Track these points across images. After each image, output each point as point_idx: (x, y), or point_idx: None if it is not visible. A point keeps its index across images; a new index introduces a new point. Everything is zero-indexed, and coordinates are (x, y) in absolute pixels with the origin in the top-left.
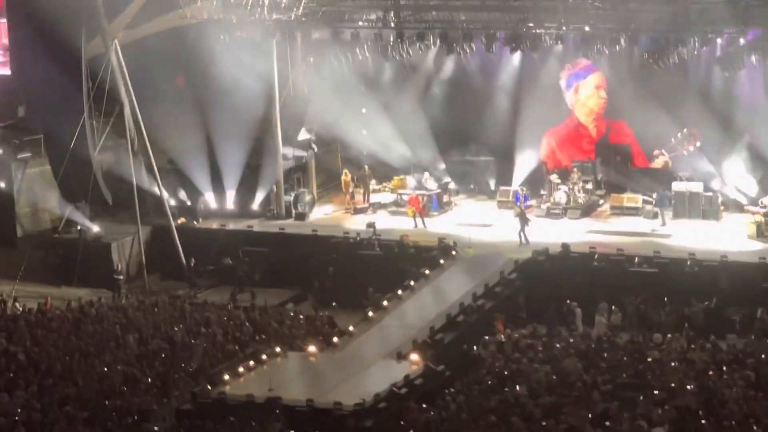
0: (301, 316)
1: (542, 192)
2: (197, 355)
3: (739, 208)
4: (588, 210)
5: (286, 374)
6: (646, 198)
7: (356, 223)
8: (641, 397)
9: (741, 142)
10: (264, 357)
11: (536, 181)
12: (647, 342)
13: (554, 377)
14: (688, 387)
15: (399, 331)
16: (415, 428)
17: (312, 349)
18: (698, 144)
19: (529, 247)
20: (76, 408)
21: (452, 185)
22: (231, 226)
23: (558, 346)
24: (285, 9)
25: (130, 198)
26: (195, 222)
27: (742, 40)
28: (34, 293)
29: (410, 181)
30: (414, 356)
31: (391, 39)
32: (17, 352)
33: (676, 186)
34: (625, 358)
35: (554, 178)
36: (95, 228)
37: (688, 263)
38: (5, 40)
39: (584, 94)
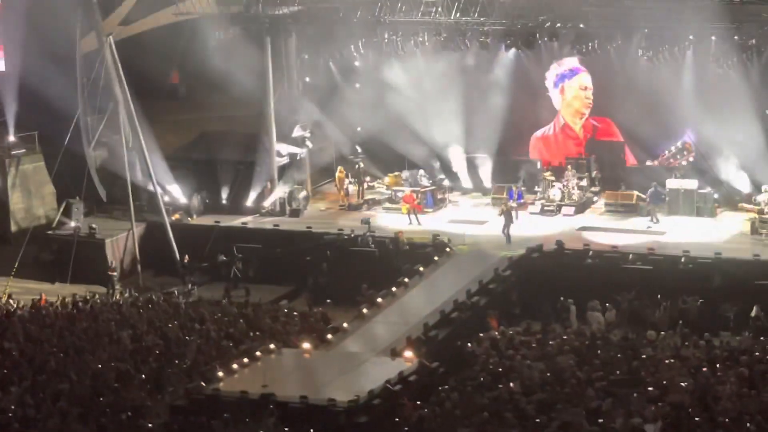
0: (295, 313)
1: (536, 189)
2: (191, 352)
3: (733, 205)
4: (582, 207)
5: (279, 371)
6: (640, 195)
7: (350, 220)
8: (635, 394)
9: (735, 139)
10: (258, 353)
11: (531, 178)
12: (641, 339)
13: (548, 374)
14: (682, 384)
15: (393, 328)
16: (408, 425)
17: (306, 345)
18: (691, 159)
19: (511, 245)
20: (70, 404)
21: (447, 182)
22: (225, 222)
23: (552, 342)
24: (279, 5)
25: (125, 194)
26: (189, 218)
27: (736, 37)
28: (27, 289)
29: (405, 177)
30: (408, 353)
31: (386, 35)
32: (11, 349)
33: (671, 183)
34: (618, 355)
35: (548, 175)
36: (89, 224)
37: (683, 260)
38: None
39: (570, 95)
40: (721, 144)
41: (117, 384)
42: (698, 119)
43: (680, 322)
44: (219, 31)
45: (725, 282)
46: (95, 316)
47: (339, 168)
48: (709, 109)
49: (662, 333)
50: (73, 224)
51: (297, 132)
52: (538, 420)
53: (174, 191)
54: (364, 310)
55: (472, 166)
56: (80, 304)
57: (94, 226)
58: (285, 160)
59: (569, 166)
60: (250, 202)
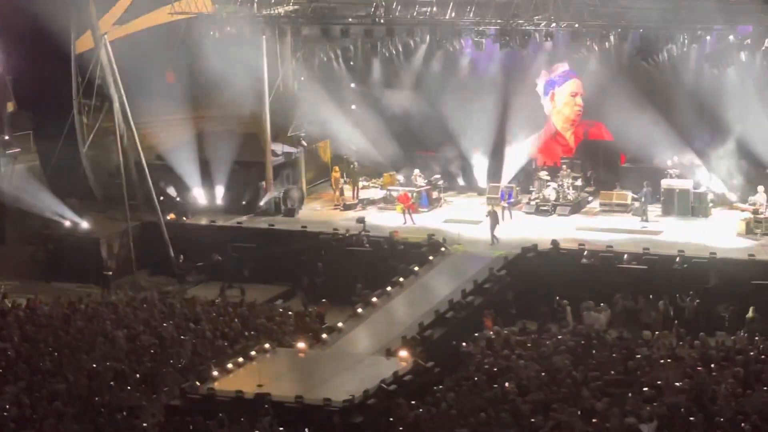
0: (290, 312)
1: (531, 188)
2: (186, 351)
3: (728, 205)
4: (577, 207)
5: (275, 370)
6: (635, 195)
7: (345, 220)
8: (630, 394)
9: (730, 140)
10: (253, 353)
11: (526, 178)
12: (636, 339)
13: (543, 374)
14: (677, 384)
15: (388, 328)
16: (404, 425)
17: (301, 345)
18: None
19: (496, 246)
20: (66, 404)
21: (442, 182)
22: (220, 222)
23: (547, 342)
24: (274, 4)
25: (120, 193)
26: (184, 218)
27: (731, 37)
28: (23, 289)
29: (400, 177)
30: (403, 353)
31: (381, 35)
32: (6, 348)
33: (666, 183)
34: (614, 355)
35: (543, 174)
36: (84, 224)
37: (677, 260)
38: None
39: (560, 101)
40: (716, 144)
41: (112, 384)
42: (693, 119)
43: (675, 321)
44: (214, 30)
45: (720, 282)
46: (90, 316)
47: (334, 167)
48: (705, 109)
49: (657, 333)
50: (68, 223)
51: (292, 131)
52: (533, 420)
53: (169, 191)
54: (359, 310)
55: (467, 166)
56: (76, 303)
57: (89, 225)
58: (280, 160)
59: (564, 166)
60: (245, 201)
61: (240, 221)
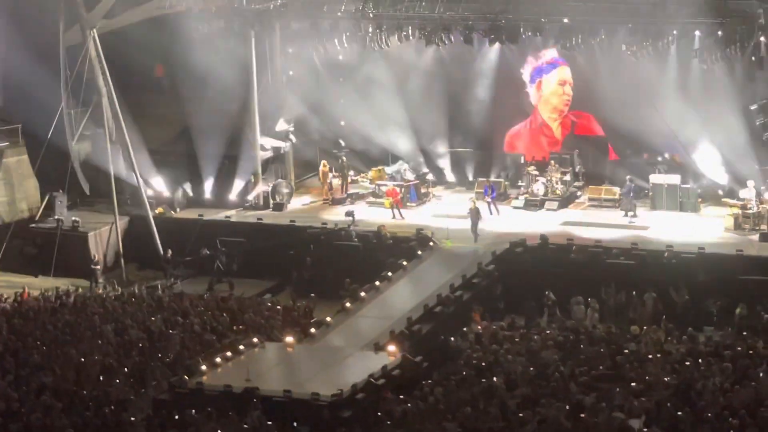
0: (279, 307)
1: (520, 183)
2: (174, 345)
3: (716, 200)
4: (566, 201)
5: (263, 364)
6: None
7: (334, 214)
8: (618, 389)
9: (718, 135)
10: (241, 347)
11: (515, 173)
12: (624, 334)
13: (531, 369)
14: (665, 379)
15: (376, 322)
16: (392, 419)
17: (289, 339)
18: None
19: (477, 244)
20: (54, 397)
21: (430, 176)
22: (208, 216)
23: (535, 337)
24: None
25: (108, 188)
26: (173, 212)
27: (720, 32)
28: (11, 283)
29: (388, 171)
30: (391, 347)
31: (370, 29)
32: None
33: (654, 178)
34: (602, 350)
35: (532, 169)
36: (73, 217)
37: (666, 255)
38: None
39: (547, 90)
40: (705, 139)
41: (101, 378)
42: (682, 114)
43: (664, 317)
44: (203, 24)
45: (709, 277)
46: (79, 310)
47: (322, 162)
48: (693, 104)
49: (645, 328)
50: (56, 217)
51: (281, 126)
52: (521, 415)
53: (157, 185)
54: (348, 304)
55: (455, 161)
56: (64, 297)
57: (77, 219)
58: (269, 154)
59: (552, 161)
60: (233, 195)
61: (228, 215)
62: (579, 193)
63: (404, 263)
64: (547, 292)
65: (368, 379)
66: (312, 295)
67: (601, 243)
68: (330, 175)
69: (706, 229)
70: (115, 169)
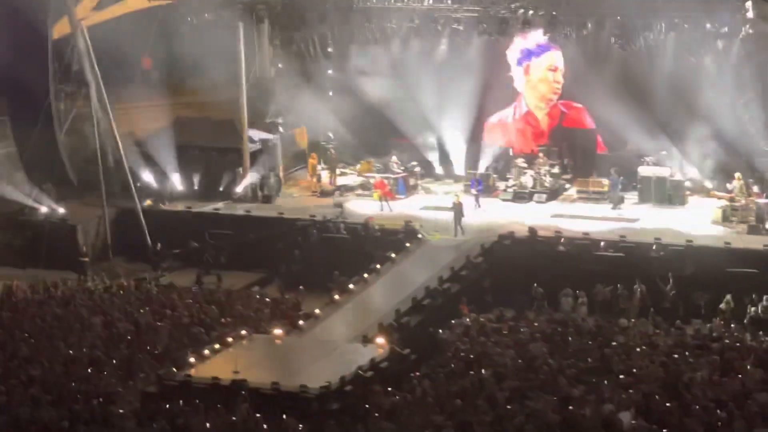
0: (267, 299)
1: (509, 176)
2: (163, 338)
3: (705, 193)
4: (554, 194)
5: (251, 357)
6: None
7: (323, 206)
8: (606, 382)
9: (707, 128)
10: (230, 340)
11: (503, 166)
12: (612, 326)
13: (519, 361)
14: (654, 371)
15: (365, 315)
16: (380, 411)
17: (278, 331)
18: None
19: (461, 238)
20: (42, 390)
21: (419, 168)
22: (197, 208)
23: (523, 330)
24: None
25: (96, 180)
26: (161, 204)
27: (708, 25)
28: None
29: (376, 164)
30: (380, 339)
31: (359, 21)
32: None
33: (643, 171)
34: (590, 343)
35: (520, 161)
36: (61, 210)
37: (654, 247)
38: None
39: (536, 76)
40: (694, 132)
41: (89, 370)
42: (672, 107)
43: (652, 309)
44: (192, 16)
45: (697, 270)
46: (67, 302)
47: (311, 154)
48: (683, 97)
49: (634, 320)
50: (44, 210)
51: (269, 118)
52: (509, 407)
53: (146, 177)
54: (336, 297)
55: (444, 153)
56: (52, 289)
57: (65, 211)
58: (257, 146)
59: (541, 153)
60: (222, 187)
61: (217, 208)
62: (567, 185)
63: (392, 256)
64: (535, 285)
65: (357, 372)
66: (300, 287)
67: (589, 235)
68: (318, 167)
69: (694, 222)
70: (103, 161)
